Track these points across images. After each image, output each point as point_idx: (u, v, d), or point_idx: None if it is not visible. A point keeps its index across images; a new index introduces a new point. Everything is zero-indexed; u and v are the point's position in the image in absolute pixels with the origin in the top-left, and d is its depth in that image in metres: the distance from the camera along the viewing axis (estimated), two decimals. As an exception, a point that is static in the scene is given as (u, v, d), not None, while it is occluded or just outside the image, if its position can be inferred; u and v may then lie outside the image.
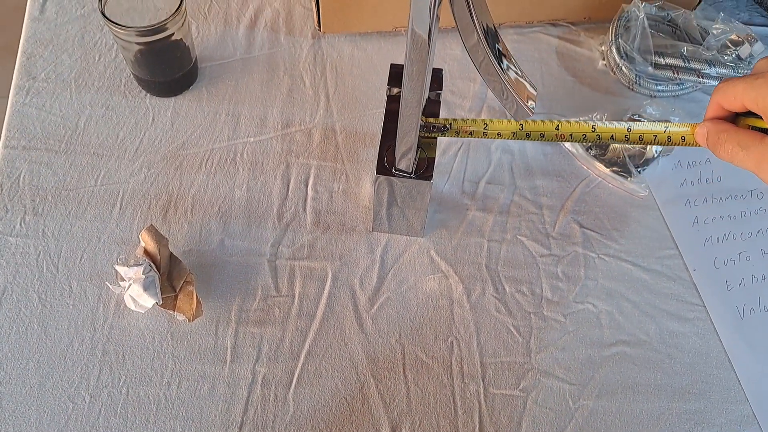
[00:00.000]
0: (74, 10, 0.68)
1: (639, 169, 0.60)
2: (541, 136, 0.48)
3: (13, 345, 0.51)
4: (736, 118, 0.42)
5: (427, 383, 0.52)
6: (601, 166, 0.60)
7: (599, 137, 0.48)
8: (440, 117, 0.54)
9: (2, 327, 0.52)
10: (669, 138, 0.46)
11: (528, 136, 0.49)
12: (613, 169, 0.60)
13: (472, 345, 0.53)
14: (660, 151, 0.61)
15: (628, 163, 0.60)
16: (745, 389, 0.52)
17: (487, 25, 0.52)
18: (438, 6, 0.41)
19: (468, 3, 0.48)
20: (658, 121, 0.61)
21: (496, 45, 0.55)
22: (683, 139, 0.46)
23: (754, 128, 0.41)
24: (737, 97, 0.40)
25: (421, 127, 0.50)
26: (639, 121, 0.62)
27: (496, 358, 0.53)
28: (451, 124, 0.50)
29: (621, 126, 0.47)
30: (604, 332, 0.54)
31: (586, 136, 0.48)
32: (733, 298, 0.56)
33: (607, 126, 0.47)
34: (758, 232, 0.59)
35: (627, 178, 0.60)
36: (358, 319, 0.54)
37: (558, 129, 0.48)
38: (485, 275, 0.56)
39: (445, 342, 0.53)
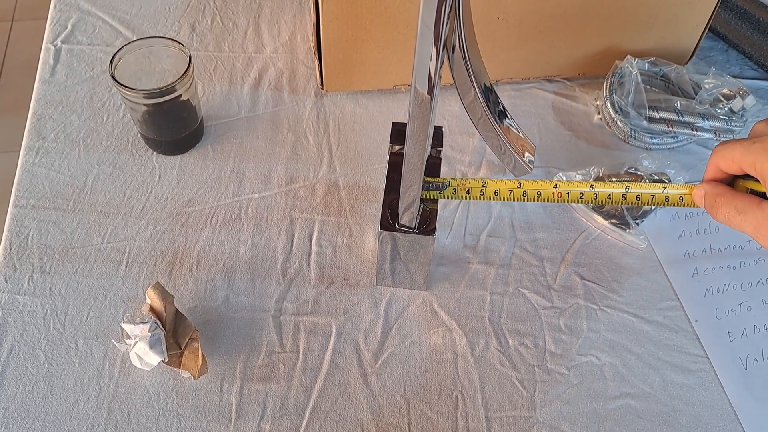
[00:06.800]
0: (83, 72, 0.70)
1: (637, 221, 0.61)
2: (538, 195, 0.49)
3: (20, 404, 0.51)
4: (735, 180, 0.43)
5: (432, 439, 0.51)
6: (599, 219, 0.61)
7: (596, 196, 0.48)
8: (441, 172, 0.55)
9: (9, 386, 0.52)
10: (667, 198, 0.47)
11: (525, 195, 0.49)
12: (612, 221, 0.61)
13: (477, 399, 0.53)
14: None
15: (626, 215, 0.61)
16: (752, 441, 0.52)
17: (484, 83, 0.54)
18: (440, 67, 0.43)
19: (466, 62, 0.50)
20: (655, 174, 0.63)
21: (494, 102, 0.56)
22: (681, 199, 0.47)
23: (752, 191, 0.41)
24: (735, 160, 0.40)
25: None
26: (636, 173, 0.63)
27: (501, 412, 0.53)
28: (449, 182, 0.51)
29: (618, 186, 0.48)
30: (608, 385, 0.54)
31: (583, 195, 0.49)
32: (736, 349, 0.56)
33: (605, 186, 0.48)
34: (758, 282, 0.60)
35: (625, 230, 0.61)
36: (363, 375, 0.54)
37: (556, 188, 0.49)
38: (488, 328, 0.56)
39: (450, 397, 0.53)
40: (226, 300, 0.57)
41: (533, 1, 0.64)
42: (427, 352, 0.55)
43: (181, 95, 0.60)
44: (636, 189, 0.48)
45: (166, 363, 0.51)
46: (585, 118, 0.70)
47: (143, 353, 0.51)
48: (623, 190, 0.48)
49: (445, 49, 0.44)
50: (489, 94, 0.55)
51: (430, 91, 0.44)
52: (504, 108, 0.58)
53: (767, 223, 0.38)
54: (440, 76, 0.44)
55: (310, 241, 0.60)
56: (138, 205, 0.62)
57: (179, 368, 0.52)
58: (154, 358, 0.51)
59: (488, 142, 0.60)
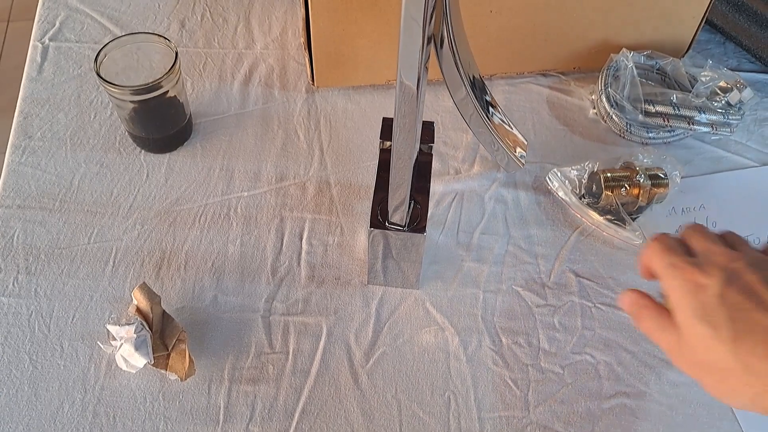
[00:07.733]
0: (71, 70, 0.69)
1: (633, 217, 0.60)
2: None
3: (3, 407, 0.50)
4: None
5: (424, 440, 0.51)
6: (594, 215, 0.60)
7: None
8: (433, 168, 0.54)
9: (-8, 389, 0.51)
10: None
11: None
12: (607, 217, 0.60)
13: (470, 399, 0.52)
14: (654, 199, 0.61)
15: (621, 211, 0.60)
16: (750, 440, 0.51)
17: (474, 78, 0.53)
18: (426, 59, 0.42)
19: (455, 56, 0.49)
20: (650, 169, 0.61)
21: (485, 98, 0.55)
22: None
23: None
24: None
25: None
26: (632, 168, 0.61)
27: (494, 412, 0.52)
28: None
29: None
30: (603, 383, 0.53)
31: None
32: (733, 346, 0.55)
33: None
34: (756, 278, 0.59)
35: (621, 226, 0.60)
36: (354, 375, 0.53)
37: None
38: (481, 327, 0.55)
39: (442, 397, 0.52)
40: (214, 300, 0.56)
41: (526, -6, 0.63)
42: (419, 351, 0.54)
43: (167, 92, 0.59)
44: None
45: (153, 365, 0.50)
46: (580, 112, 0.69)
47: (129, 355, 0.50)
48: None
49: (433, 43, 0.43)
50: (480, 89, 0.54)
51: (417, 84, 0.43)
52: (496, 104, 0.57)
53: (678, 346, 0.39)
54: (427, 69, 0.43)
55: (301, 240, 0.59)
56: (125, 205, 0.61)
57: (166, 370, 0.51)
58: (139, 360, 0.50)
59: (480, 138, 0.59)
